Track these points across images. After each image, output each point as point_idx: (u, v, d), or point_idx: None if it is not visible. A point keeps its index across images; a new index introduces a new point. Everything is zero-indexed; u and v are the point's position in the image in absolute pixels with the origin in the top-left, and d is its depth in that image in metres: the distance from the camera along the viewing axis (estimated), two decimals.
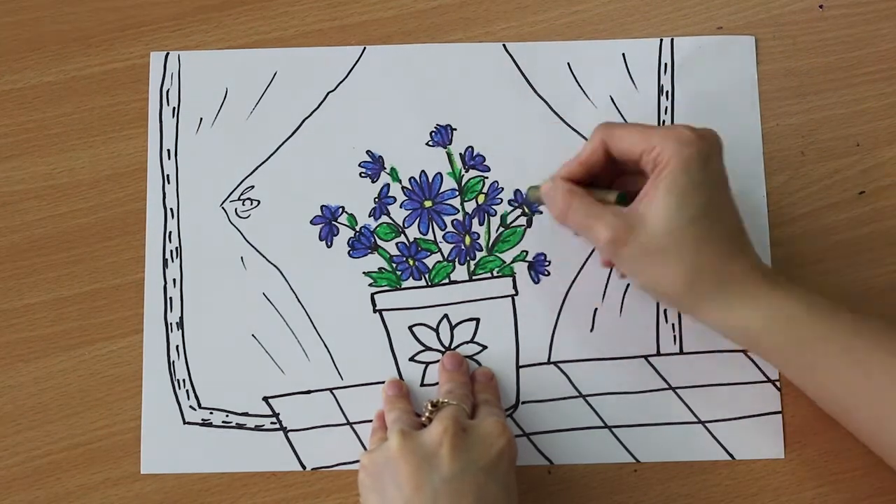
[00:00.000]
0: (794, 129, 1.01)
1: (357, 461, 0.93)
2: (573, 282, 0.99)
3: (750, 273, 0.85)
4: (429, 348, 0.98)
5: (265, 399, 0.97)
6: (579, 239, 0.97)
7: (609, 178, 0.91)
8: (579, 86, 1.02)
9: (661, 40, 1.03)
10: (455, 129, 1.01)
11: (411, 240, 0.99)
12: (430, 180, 1.00)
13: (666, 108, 1.01)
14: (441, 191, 1.00)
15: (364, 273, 0.99)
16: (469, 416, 0.90)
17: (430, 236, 0.99)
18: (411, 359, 0.98)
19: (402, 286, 0.98)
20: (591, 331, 0.98)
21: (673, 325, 0.98)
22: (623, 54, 1.03)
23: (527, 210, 1.00)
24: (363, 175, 1.00)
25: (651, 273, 0.85)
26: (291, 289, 0.98)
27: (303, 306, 0.98)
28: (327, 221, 0.99)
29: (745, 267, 0.85)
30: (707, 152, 0.84)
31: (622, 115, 1.01)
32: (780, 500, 0.95)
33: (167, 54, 1.02)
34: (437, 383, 0.97)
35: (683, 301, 0.86)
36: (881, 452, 0.86)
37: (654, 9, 1.03)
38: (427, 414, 0.89)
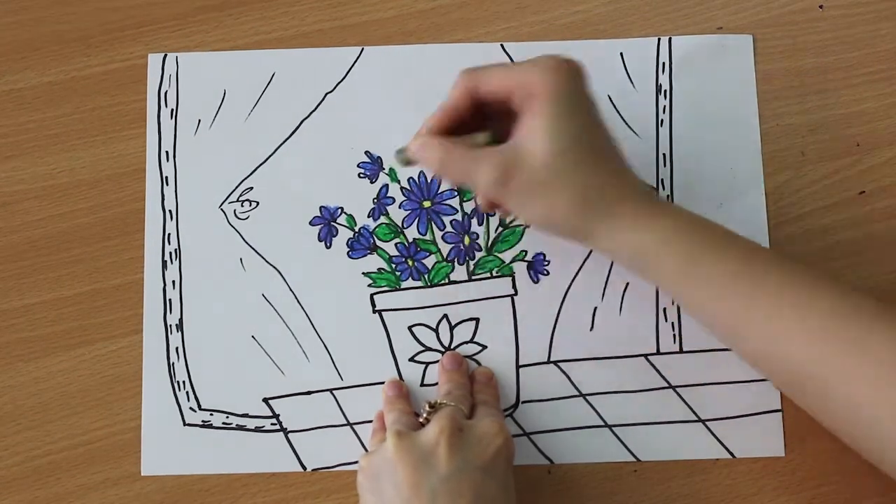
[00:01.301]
0: (794, 129, 1.01)
1: (357, 462, 0.93)
2: (572, 281, 0.99)
3: (636, 193, 0.85)
4: (428, 348, 0.98)
5: (265, 400, 0.97)
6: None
7: (472, 128, 0.89)
8: None
9: (659, 39, 1.03)
10: None
11: (410, 240, 0.99)
12: (429, 180, 1.00)
13: (664, 107, 1.01)
14: (440, 191, 1.00)
15: (363, 274, 0.99)
16: (467, 417, 0.90)
17: (429, 237, 0.99)
18: (411, 359, 0.98)
19: (402, 286, 0.98)
20: (591, 330, 0.98)
21: (673, 323, 0.98)
22: (621, 54, 1.03)
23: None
24: (362, 176, 1.00)
25: (540, 205, 0.84)
26: (291, 290, 0.98)
27: (302, 307, 0.98)
28: (326, 222, 0.99)
29: (631, 187, 0.85)
30: (574, 76, 0.84)
31: (620, 115, 1.01)
32: (780, 500, 0.95)
33: (165, 56, 1.02)
34: (436, 383, 0.97)
35: (576, 227, 0.85)
36: (770, 377, 0.88)
37: (653, 9, 1.03)
38: (425, 415, 0.89)
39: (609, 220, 0.83)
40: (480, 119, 0.88)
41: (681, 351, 0.97)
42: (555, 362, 0.98)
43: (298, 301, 0.98)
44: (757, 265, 0.83)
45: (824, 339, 0.80)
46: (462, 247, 0.99)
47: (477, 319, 0.98)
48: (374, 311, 0.98)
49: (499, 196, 0.84)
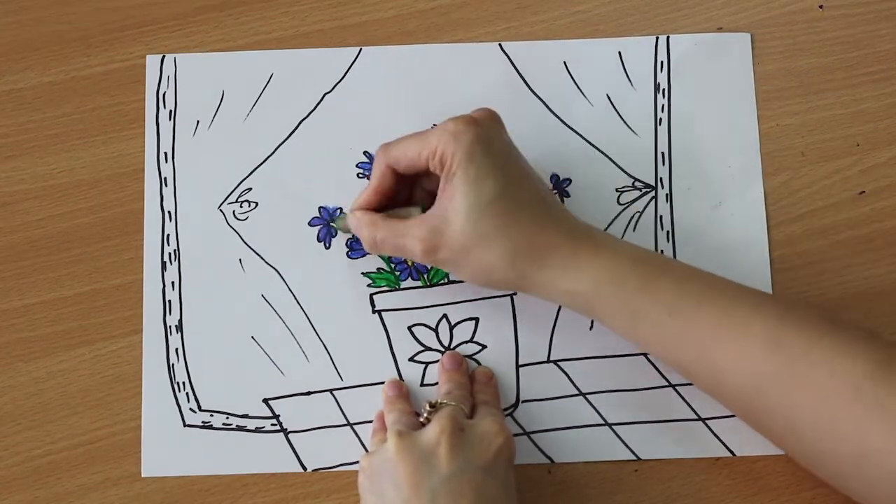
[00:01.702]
0: (794, 129, 1.01)
1: (357, 462, 0.93)
2: None
3: (567, 238, 0.86)
4: (428, 348, 0.98)
5: (265, 401, 0.97)
6: None
7: (408, 193, 0.93)
8: (576, 85, 1.02)
9: (658, 38, 1.03)
10: None
11: None
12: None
13: (663, 105, 1.01)
14: None
15: (363, 274, 0.98)
16: (468, 417, 0.90)
17: None
18: (411, 359, 0.98)
19: (401, 286, 0.98)
20: (591, 329, 0.98)
21: None
22: (619, 53, 1.03)
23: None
24: (361, 176, 1.00)
25: (473, 266, 0.86)
26: (290, 290, 0.98)
27: (302, 308, 0.98)
28: (325, 223, 0.99)
29: (561, 233, 0.86)
30: (486, 134, 0.86)
31: (619, 114, 1.01)
32: (780, 500, 0.94)
33: (163, 57, 1.02)
34: (436, 383, 0.97)
35: (511, 282, 0.87)
36: (721, 402, 0.88)
37: (653, 9, 1.03)
38: (426, 414, 0.89)
39: (542, 270, 0.86)
40: (413, 182, 0.93)
41: None
42: (554, 361, 0.98)
43: (298, 301, 0.98)
44: (692, 293, 0.85)
45: (767, 356, 0.82)
46: None
47: (476, 319, 0.98)
48: (374, 312, 0.98)
49: (433, 264, 0.89)
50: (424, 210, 0.89)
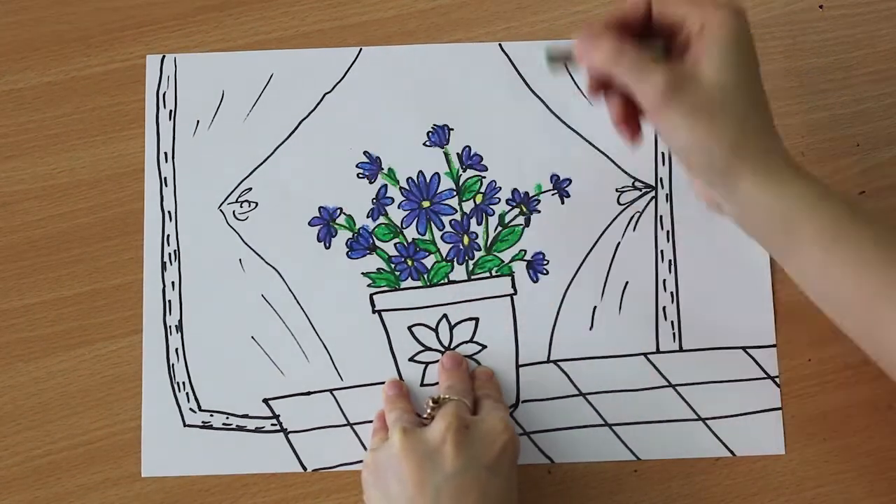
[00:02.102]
0: (794, 129, 1.01)
1: (358, 461, 0.94)
2: (572, 280, 0.99)
3: (782, 148, 0.82)
4: (428, 348, 0.98)
5: (265, 401, 0.97)
6: (578, 235, 0.98)
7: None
8: (576, 84, 1.02)
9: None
10: (452, 130, 1.01)
11: (409, 240, 0.99)
12: (428, 180, 1.00)
13: None
14: (439, 191, 1.00)
15: (363, 274, 0.99)
16: (471, 412, 0.90)
17: (428, 236, 0.99)
18: (411, 359, 0.98)
19: (401, 286, 0.98)
20: (591, 329, 0.98)
21: (672, 322, 0.98)
22: None
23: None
24: (361, 176, 1.00)
25: (698, 130, 0.79)
26: (290, 290, 0.98)
27: (302, 308, 0.98)
28: (325, 223, 0.99)
29: (780, 142, 0.82)
30: (748, 28, 0.82)
31: None
32: (780, 500, 0.95)
33: (163, 57, 1.02)
34: (436, 383, 0.97)
35: (726, 164, 0.80)
36: (875, 356, 0.82)
37: None
38: (429, 411, 0.90)
39: (760, 166, 0.80)
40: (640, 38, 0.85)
41: (680, 349, 0.98)
42: (554, 361, 0.98)
43: (298, 301, 0.98)
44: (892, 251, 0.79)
45: None
46: (461, 246, 0.99)
47: (476, 319, 0.98)
48: (374, 312, 0.98)
49: (660, 109, 0.80)
50: (664, 51, 0.83)
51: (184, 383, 0.97)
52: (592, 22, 0.84)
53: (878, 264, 0.78)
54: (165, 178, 1.00)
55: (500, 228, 0.99)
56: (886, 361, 0.81)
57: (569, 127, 1.01)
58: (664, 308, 0.98)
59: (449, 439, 0.84)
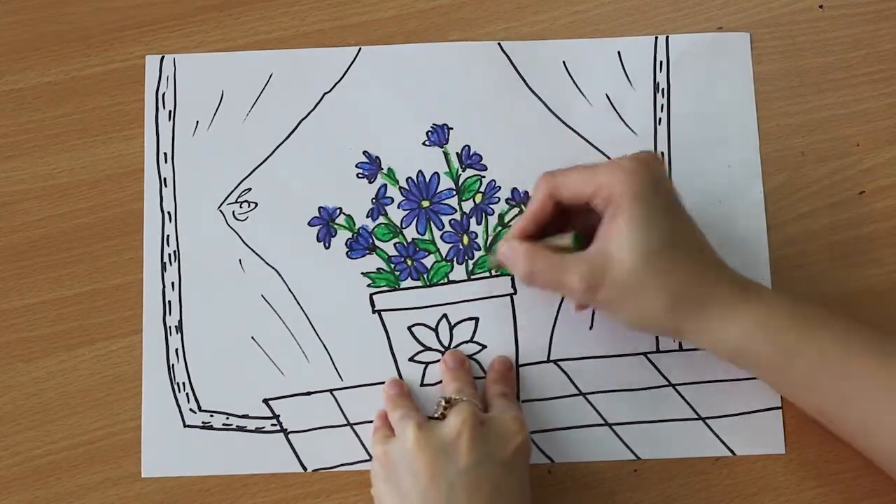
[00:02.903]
0: (794, 129, 1.01)
1: (358, 461, 0.95)
2: None
3: (728, 287, 0.85)
4: (428, 348, 0.98)
5: (265, 401, 0.97)
6: None
7: (558, 224, 0.91)
8: (575, 84, 1.02)
9: (657, 38, 1.03)
10: (451, 129, 1.01)
11: (409, 240, 0.99)
12: (428, 180, 1.00)
13: (662, 105, 1.01)
14: (438, 190, 1.00)
15: (362, 274, 0.99)
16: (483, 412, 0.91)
17: (427, 236, 0.99)
18: (411, 359, 0.98)
19: (401, 286, 0.98)
20: (591, 328, 0.98)
21: None
22: (619, 52, 1.03)
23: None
24: (360, 176, 1.00)
25: (630, 310, 0.85)
26: (290, 290, 0.98)
27: (302, 308, 0.98)
28: (325, 223, 0.99)
29: (722, 282, 0.86)
30: (654, 176, 0.85)
31: (619, 114, 1.01)
32: (780, 500, 0.95)
33: (162, 57, 1.02)
34: (437, 383, 0.97)
35: (668, 328, 0.87)
36: (871, 456, 0.87)
37: (653, 9, 1.03)
38: (441, 410, 0.90)
39: (700, 318, 0.85)
40: (562, 216, 0.90)
41: (680, 349, 0.98)
42: (554, 361, 0.98)
43: (298, 302, 0.98)
44: (851, 346, 0.84)
45: None
46: (461, 246, 0.99)
47: (476, 319, 0.98)
48: (374, 312, 0.98)
49: (588, 303, 0.87)
50: (579, 240, 0.87)
51: (184, 384, 0.97)
52: (511, 232, 0.91)
53: (829, 373, 0.84)
54: (165, 179, 1.00)
55: (499, 228, 0.99)
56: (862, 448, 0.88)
57: (568, 126, 1.01)
58: None
59: (465, 434, 0.85)
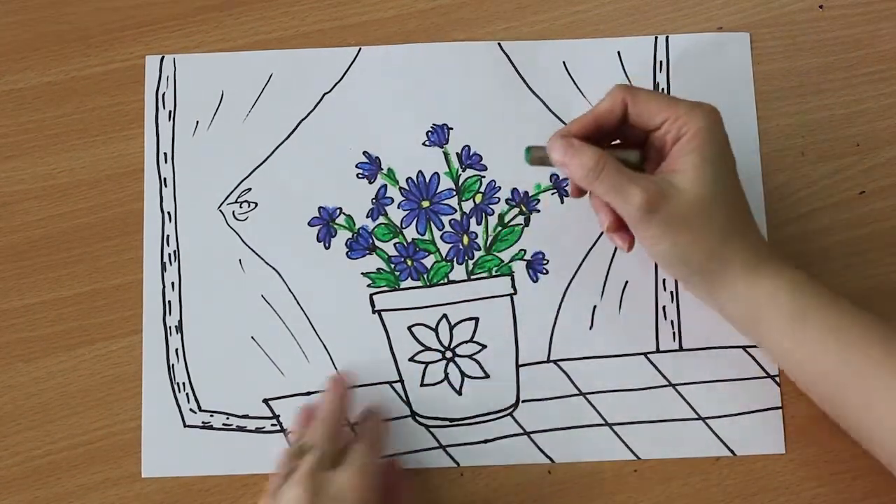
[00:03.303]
0: (794, 129, 1.01)
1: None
2: (572, 280, 0.99)
3: (760, 246, 0.86)
4: (428, 348, 0.98)
5: (265, 401, 0.97)
6: (577, 235, 0.98)
7: (603, 143, 0.89)
8: (575, 84, 1.02)
9: (657, 38, 1.03)
10: (451, 129, 1.01)
11: (409, 240, 0.99)
12: (428, 180, 1.00)
13: None
14: (438, 191, 1.00)
15: (362, 274, 0.99)
16: (337, 455, 0.87)
17: (427, 236, 0.99)
18: (411, 359, 0.98)
19: (401, 287, 0.98)
20: (591, 328, 0.98)
21: (672, 322, 0.98)
22: (619, 52, 1.03)
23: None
24: (360, 176, 1.00)
25: (679, 242, 0.84)
26: (290, 290, 0.98)
27: (302, 308, 0.98)
28: (325, 223, 0.99)
29: (757, 240, 0.87)
30: (723, 129, 0.86)
31: None
32: (780, 500, 0.95)
33: (162, 58, 1.02)
34: (437, 383, 0.97)
35: (708, 269, 0.86)
36: (869, 446, 0.86)
37: (653, 9, 1.03)
38: (289, 463, 0.87)
39: (735, 267, 0.85)
40: (614, 137, 0.90)
41: (680, 349, 0.98)
42: (554, 361, 0.98)
43: (298, 302, 0.98)
44: (861, 324, 0.84)
45: None
46: (461, 246, 0.99)
47: (476, 319, 0.98)
48: (374, 312, 0.98)
49: (640, 224, 0.84)
50: (642, 161, 0.88)
51: (184, 384, 0.97)
52: (568, 127, 0.88)
53: (836, 348, 0.84)
54: (165, 179, 1.00)
55: (499, 228, 0.99)
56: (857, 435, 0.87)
57: None
58: (664, 307, 0.98)
59: None
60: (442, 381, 0.98)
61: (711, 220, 0.84)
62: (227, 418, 0.96)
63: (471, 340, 0.98)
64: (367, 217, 0.99)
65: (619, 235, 0.89)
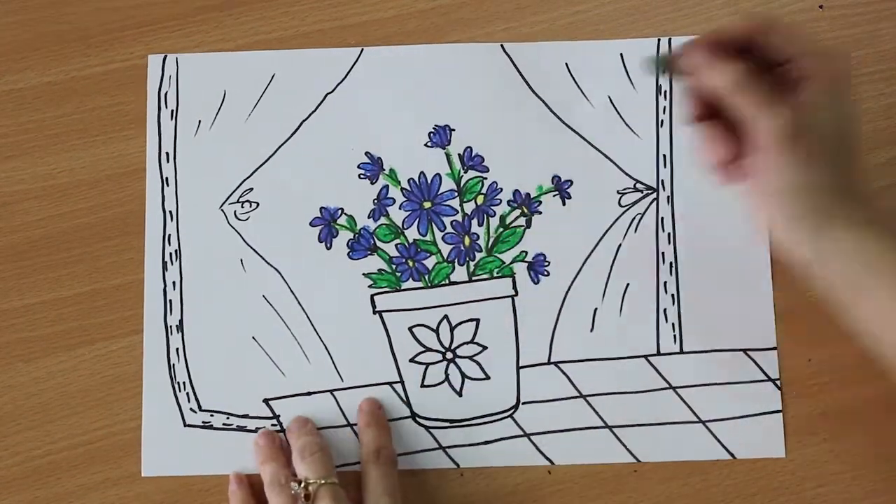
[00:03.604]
0: None
1: (358, 462, 0.94)
2: (573, 282, 0.99)
3: (872, 200, 0.83)
4: (429, 349, 0.98)
5: (266, 401, 0.97)
6: (579, 237, 0.98)
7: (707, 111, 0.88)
8: (577, 86, 1.02)
9: (659, 40, 1.03)
10: (453, 130, 1.01)
11: (411, 241, 0.99)
12: (429, 181, 1.00)
13: (664, 107, 1.01)
14: (440, 192, 1.00)
15: (364, 274, 0.99)
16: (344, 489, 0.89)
17: (429, 237, 0.99)
18: (412, 360, 0.98)
19: (402, 287, 0.98)
20: (591, 331, 0.98)
21: (673, 324, 0.98)
22: (621, 54, 1.02)
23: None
24: (362, 176, 1.00)
25: (812, 173, 0.80)
26: (291, 291, 0.98)
27: (303, 308, 0.98)
28: (326, 223, 0.99)
29: (868, 193, 0.85)
30: (850, 79, 0.87)
31: (621, 116, 1.01)
32: (780, 500, 0.95)
33: (165, 57, 1.02)
34: (437, 384, 0.98)
35: (826, 204, 0.81)
36: None
37: (654, 9, 1.03)
38: (303, 498, 0.87)
39: (853, 211, 0.81)
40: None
41: (681, 352, 0.98)
42: (555, 363, 0.98)
43: (299, 302, 0.98)
44: None
45: None
46: (462, 247, 0.99)
47: (477, 320, 0.98)
48: (375, 312, 0.98)
49: (779, 147, 0.80)
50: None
51: (184, 383, 0.97)
52: (703, 37, 0.85)
53: None
54: (167, 178, 1.00)
55: (501, 229, 0.99)
56: None
57: (570, 128, 1.01)
58: (665, 310, 0.98)
59: None
60: (442, 382, 0.98)
61: (844, 158, 0.82)
62: (228, 418, 0.96)
63: (471, 342, 0.98)
64: (369, 217, 0.99)
65: (729, 171, 0.86)
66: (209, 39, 1.03)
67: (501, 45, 1.02)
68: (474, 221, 0.99)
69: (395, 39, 1.03)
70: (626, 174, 1.00)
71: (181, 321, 0.98)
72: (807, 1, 1.03)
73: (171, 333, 0.98)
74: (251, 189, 1.00)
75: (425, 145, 1.01)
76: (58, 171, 1.00)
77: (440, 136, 1.00)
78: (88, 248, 0.99)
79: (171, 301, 0.98)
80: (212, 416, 0.96)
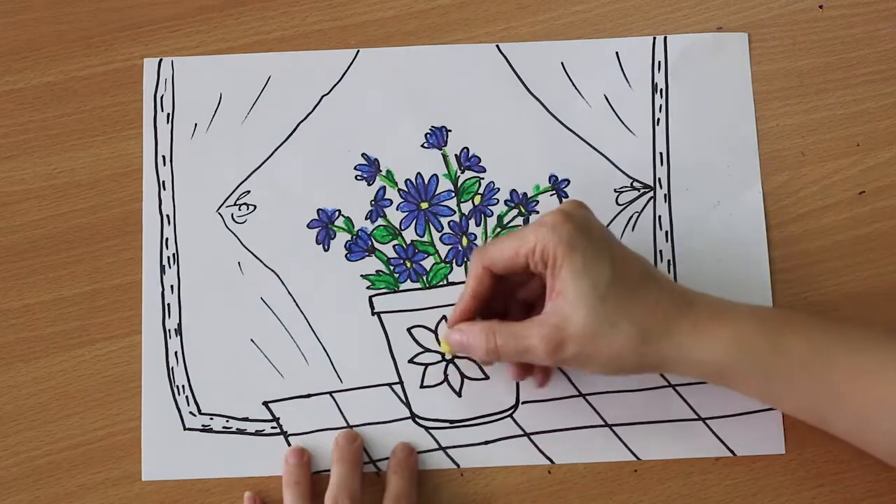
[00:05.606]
0: (794, 129, 1.01)
1: None
2: None
3: (685, 309, 0.84)
4: (428, 350, 0.98)
5: (265, 404, 0.97)
6: None
7: (502, 305, 0.92)
8: (573, 85, 1.02)
9: (655, 38, 1.03)
10: (450, 131, 1.01)
11: (408, 242, 0.99)
12: (426, 182, 1.00)
13: (660, 106, 1.01)
14: (437, 192, 1.00)
15: (362, 276, 0.99)
16: None
17: (426, 238, 0.99)
18: (410, 361, 0.98)
19: (400, 288, 0.98)
20: None
21: None
22: (617, 53, 1.03)
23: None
24: (359, 178, 1.00)
25: (602, 355, 0.83)
26: (289, 293, 0.98)
27: (301, 310, 0.98)
28: (324, 225, 0.99)
29: (679, 305, 0.84)
30: (581, 223, 0.84)
31: (617, 114, 1.01)
32: (780, 500, 0.95)
33: (160, 60, 1.02)
34: (437, 384, 0.97)
35: (645, 362, 0.84)
36: (870, 449, 0.86)
37: (653, 9, 1.03)
38: None
39: (669, 346, 0.83)
40: (504, 286, 0.90)
41: None
42: None
43: (297, 304, 0.98)
44: (821, 344, 0.83)
45: None
46: (460, 248, 0.99)
47: None
48: (373, 314, 0.98)
49: (559, 363, 0.85)
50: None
51: (183, 387, 0.97)
52: (453, 316, 0.91)
53: (806, 385, 0.83)
54: (164, 182, 1.00)
55: (498, 229, 0.99)
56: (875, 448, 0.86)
57: (567, 128, 1.01)
58: None
59: None
60: (442, 382, 0.97)
61: (617, 319, 0.82)
62: (227, 421, 0.96)
63: None
64: (366, 219, 0.99)
65: (534, 374, 0.94)
66: (209, 40, 1.03)
67: (497, 46, 1.02)
68: (472, 222, 0.99)
69: (395, 39, 1.03)
70: (623, 173, 1.00)
71: (179, 324, 0.98)
72: (807, 1, 1.03)
73: (170, 337, 0.97)
74: (248, 192, 1.00)
75: (422, 146, 1.01)
76: (58, 171, 1.01)
77: (436, 137, 1.00)
78: (88, 248, 0.99)
79: (169, 305, 0.98)
80: (211, 419, 0.96)
